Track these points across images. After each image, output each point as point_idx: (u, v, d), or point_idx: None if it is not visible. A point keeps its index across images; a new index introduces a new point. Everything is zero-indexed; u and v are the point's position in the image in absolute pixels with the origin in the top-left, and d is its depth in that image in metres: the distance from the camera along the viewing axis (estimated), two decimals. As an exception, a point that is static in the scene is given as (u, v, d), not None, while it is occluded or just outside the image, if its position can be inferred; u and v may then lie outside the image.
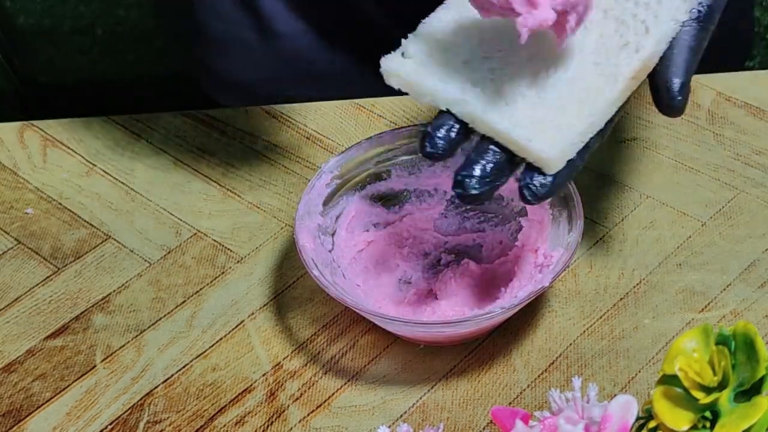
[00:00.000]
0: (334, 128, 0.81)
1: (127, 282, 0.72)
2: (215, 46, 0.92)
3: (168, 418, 0.63)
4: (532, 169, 0.55)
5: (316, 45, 0.90)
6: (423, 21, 0.60)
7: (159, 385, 0.65)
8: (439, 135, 0.56)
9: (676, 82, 0.58)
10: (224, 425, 0.63)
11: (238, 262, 0.72)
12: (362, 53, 0.84)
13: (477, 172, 0.55)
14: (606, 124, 0.57)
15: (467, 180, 0.55)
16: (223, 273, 0.71)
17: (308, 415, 0.63)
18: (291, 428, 0.62)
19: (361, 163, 0.70)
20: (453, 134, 0.56)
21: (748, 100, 0.80)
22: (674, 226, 0.71)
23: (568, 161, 0.56)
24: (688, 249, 0.70)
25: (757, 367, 0.47)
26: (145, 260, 0.73)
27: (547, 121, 0.56)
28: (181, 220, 0.75)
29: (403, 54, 0.59)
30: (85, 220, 0.76)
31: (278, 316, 0.68)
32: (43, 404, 0.65)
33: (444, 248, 0.70)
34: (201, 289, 0.71)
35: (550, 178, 0.55)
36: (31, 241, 0.75)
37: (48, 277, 0.72)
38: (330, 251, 0.68)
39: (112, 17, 1.46)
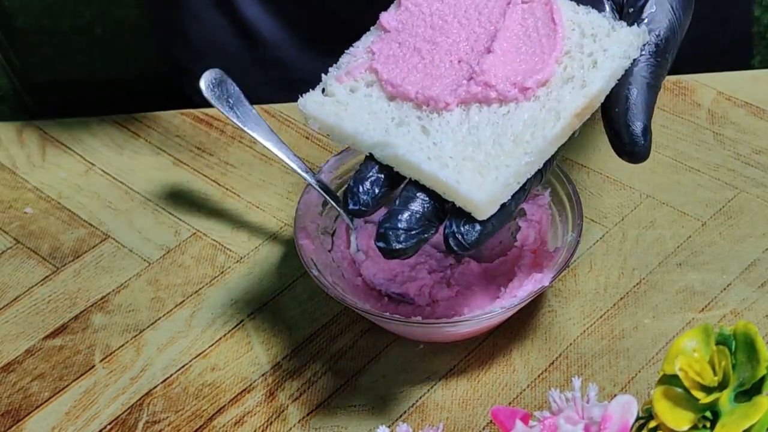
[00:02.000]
0: (333, 128, 0.81)
1: (126, 282, 0.71)
2: (198, 52, 0.92)
3: (167, 418, 0.63)
4: (460, 215, 0.52)
5: (299, 52, 0.89)
6: (346, 51, 0.58)
7: (158, 385, 0.65)
8: (362, 190, 0.53)
9: (638, 126, 0.53)
10: (223, 425, 0.62)
11: (237, 261, 0.72)
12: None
13: (402, 224, 0.51)
14: (545, 164, 0.54)
15: (390, 233, 0.51)
16: (222, 273, 0.71)
17: (308, 414, 0.63)
18: (290, 428, 0.62)
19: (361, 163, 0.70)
20: (377, 188, 0.53)
21: (749, 100, 0.80)
22: (674, 225, 0.71)
23: (502, 206, 0.52)
24: (688, 249, 0.70)
25: (757, 366, 0.47)
26: (144, 260, 0.73)
27: (478, 161, 0.52)
28: (180, 219, 0.75)
29: (323, 90, 0.56)
30: (84, 220, 0.76)
31: (278, 316, 0.68)
32: (41, 404, 0.65)
33: (444, 248, 0.70)
34: (200, 288, 0.71)
35: (478, 227, 0.51)
36: (30, 240, 0.75)
37: (47, 276, 0.72)
38: (330, 251, 0.68)
39: (112, 17, 1.46)
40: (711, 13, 0.87)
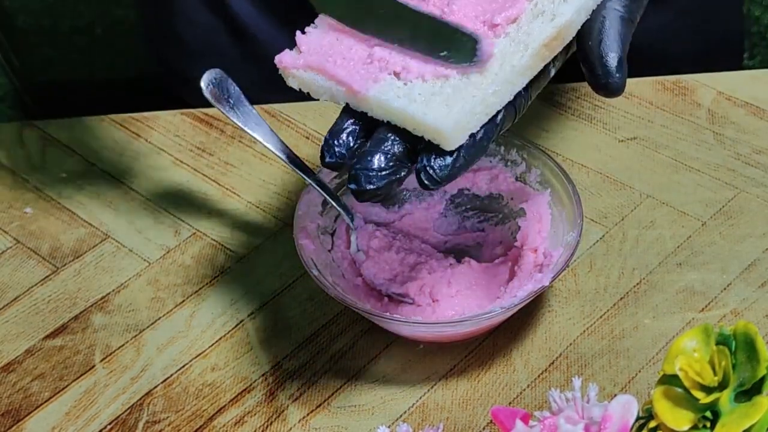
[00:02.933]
0: (333, 128, 0.81)
1: (126, 281, 0.71)
2: (191, 54, 0.91)
3: (167, 418, 0.63)
4: (431, 151, 0.52)
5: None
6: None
7: (158, 384, 0.65)
8: (338, 142, 0.53)
9: (612, 57, 0.53)
10: (223, 425, 0.62)
11: (237, 261, 0.72)
12: None
13: (374, 164, 0.51)
14: (516, 97, 0.54)
15: (362, 173, 0.51)
16: (222, 273, 0.71)
17: (308, 415, 0.63)
18: (290, 428, 0.62)
19: (361, 163, 0.70)
20: (352, 139, 0.53)
21: (749, 100, 0.80)
22: (674, 225, 0.71)
23: (472, 137, 0.52)
24: (688, 248, 0.70)
25: (757, 366, 0.47)
26: (144, 260, 0.73)
27: (445, 94, 0.53)
28: (180, 219, 0.75)
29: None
30: (84, 220, 0.76)
31: (278, 316, 0.68)
32: (41, 404, 0.65)
33: (444, 248, 0.70)
34: (200, 288, 0.71)
35: (449, 159, 0.51)
36: (30, 240, 0.75)
37: (47, 276, 0.72)
38: (330, 251, 0.68)
39: (112, 17, 1.46)
40: (701, 9, 0.87)
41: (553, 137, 0.78)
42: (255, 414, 0.63)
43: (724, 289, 0.67)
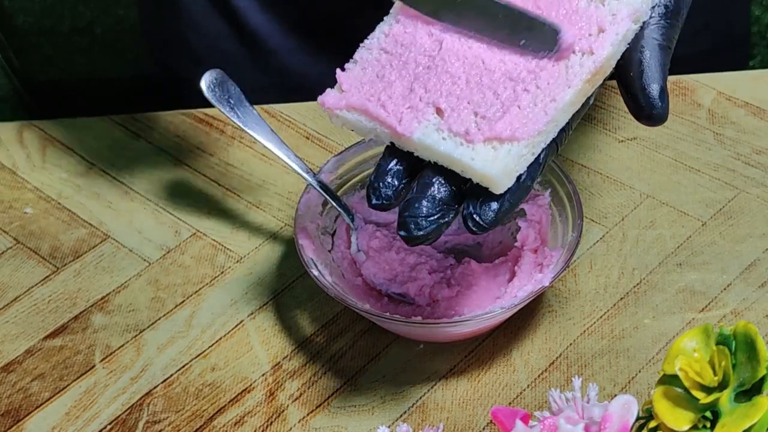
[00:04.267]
0: (333, 128, 0.81)
1: (126, 282, 0.71)
2: (197, 59, 0.91)
3: (167, 418, 0.63)
4: (476, 196, 0.52)
5: (303, 57, 0.89)
6: (362, 44, 0.58)
7: (158, 385, 0.65)
8: (383, 185, 0.53)
9: (655, 88, 0.53)
10: (223, 425, 0.62)
11: (237, 261, 0.72)
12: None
13: (422, 210, 0.51)
14: (559, 133, 0.54)
15: (410, 221, 0.51)
16: (222, 273, 0.71)
17: (308, 415, 0.63)
18: (290, 428, 0.62)
19: (361, 163, 0.70)
20: (398, 181, 0.53)
21: (749, 100, 0.80)
22: (674, 225, 0.71)
23: (517, 179, 0.52)
24: (688, 249, 0.70)
25: (757, 366, 0.47)
26: (144, 260, 0.73)
27: (491, 135, 0.53)
28: (180, 219, 0.75)
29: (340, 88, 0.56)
30: (84, 220, 0.76)
31: (278, 316, 0.68)
32: (41, 404, 0.65)
33: (444, 248, 0.70)
34: (200, 288, 0.71)
35: (495, 205, 0.52)
36: (30, 240, 0.75)
37: (47, 276, 0.72)
38: (330, 251, 0.68)
39: (112, 17, 1.46)
40: (709, 12, 0.87)
41: (553, 137, 0.78)
42: (255, 414, 0.63)
43: (724, 289, 0.67)
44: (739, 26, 0.96)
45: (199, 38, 0.90)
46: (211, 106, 0.68)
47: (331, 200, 0.67)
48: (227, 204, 0.76)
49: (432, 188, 0.52)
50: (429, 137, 0.53)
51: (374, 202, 0.54)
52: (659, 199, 0.73)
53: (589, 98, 0.55)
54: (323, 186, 0.67)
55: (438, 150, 0.53)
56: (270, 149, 0.67)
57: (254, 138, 0.67)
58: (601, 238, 0.71)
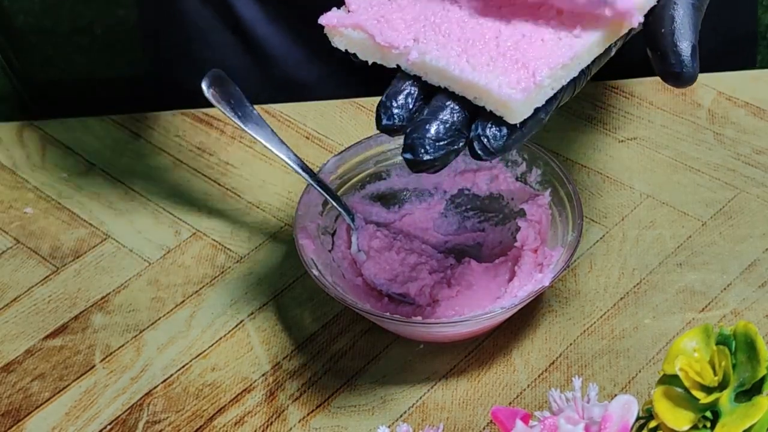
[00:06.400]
0: (333, 128, 0.81)
1: (126, 282, 0.71)
2: (200, 70, 0.91)
3: (167, 418, 0.63)
4: (488, 118, 0.49)
5: (311, 69, 0.89)
6: None
7: (158, 385, 0.65)
8: (395, 104, 0.49)
9: (686, 46, 0.50)
10: (223, 425, 0.62)
11: (237, 261, 0.72)
12: (365, 80, 0.82)
13: (430, 134, 0.48)
14: (579, 73, 0.51)
15: (418, 143, 0.48)
16: (222, 273, 0.71)
17: (308, 415, 0.63)
18: (290, 428, 0.62)
19: (361, 163, 0.70)
20: (411, 101, 0.49)
21: (749, 100, 0.80)
22: (674, 225, 0.71)
23: (534, 111, 0.49)
24: (688, 249, 0.70)
25: (757, 366, 0.47)
26: (145, 260, 0.73)
27: (512, 61, 0.50)
28: (180, 219, 0.75)
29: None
30: (84, 220, 0.76)
31: (278, 316, 0.68)
32: (42, 404, 0.65)
33: (444, 248, 0.70)
34: (200, 288, 0.71)
35: (506, 130, 0.48)
36: (30, 240, 0.75)
37: (47, 276, 0.72)
38: (330, 251, 0.68)
39: (111, 17, 1.46)
40: (715, 12, 0.87)
41: (553, 137, 0.78)
42: (255, 414, 0.63)
43: (724, 289, 0.67)
44: (745, 27, 0.96)
45: (203, 49, 0.90)
46: (211, 106, 0.68)
47: (331, 200, 0.67)
48: (227, 204, 0.76)
49: (444, 112, 0.49)
50: (442, 60, 0.50)
51: (384, 122, 0.50)
52: (659, 199, 0.73)
53: (611, 47, 0.53)
54: (323, 186, 0.67)
55: (452, 73, 0.49)
56: (270, 149, 0.67)
57: (254, 138, 0.67)
58: (601, 238, 0.71)
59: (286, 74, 0.90)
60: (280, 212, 0.75)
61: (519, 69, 0.49)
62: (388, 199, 0.71)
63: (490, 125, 0.48)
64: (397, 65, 0.52)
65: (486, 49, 0.50)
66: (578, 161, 0.76)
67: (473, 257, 0.69)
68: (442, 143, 0.48)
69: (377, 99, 0.84)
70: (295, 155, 0.68)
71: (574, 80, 0.51)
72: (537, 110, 0.49)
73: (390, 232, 0.70)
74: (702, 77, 0.81)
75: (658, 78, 0.83)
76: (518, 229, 0.68)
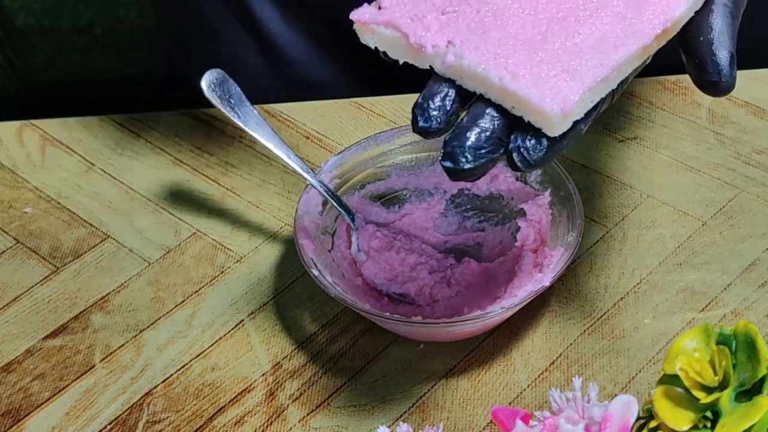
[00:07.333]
0: (333, 128, 0.81)
1: (126, 281, 0.71)
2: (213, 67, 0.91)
3: (167, 418, 0.63)
4: (527, 130, 0.48)
5: (328, 71, 0.89)
6: None
7: (158, 384, 0.65)
8: (432, 106, 0.48)
9: (725, 55, 0.49)
10: (223, 425, 0.62)
11: (237, 261, 0.72)
12: (379, 80, 0.82)
13: (471, 142, 0.46)
14: (618, 85, 0.50)
15: (458, 152, 0.46)
16: (222, 272, 0.71)
17: (308, 414, 0.63)
18: (290, 428, 0.62)
19: (361, 163, 0.70)
20: (449, 103, 0.48)
21: (749, 100, 0.80)
22: (674, 225, 0.71)
23: (573, 123, 0.48)
24: (688, 248, 0.70)
25: (757, 366, 0.47)
26: (144, 260, 0.73)
27: (552, 72, 0.49)
28: (180, 219, 0.75)
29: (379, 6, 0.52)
30: (84, 220, 0.76)
31: (278, 316, 0.68)
32: (41, 404, 0.65)
33: (444, 248, 0.70)
34: (200, 288, 0.70)
35: (545, 142, 0.47)
36: (30, 240, 0.75)
37: (47, 276, 0.72)
38: (330, 251, 0.68)
39: (112, 17, 1.46)
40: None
41: (553, 137, 0.78)
42: (255, 414, 0.63)
43: (725, 289, 0.67)
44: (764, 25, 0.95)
45: (218, 47, 0.90)
46: (211, 105, 0.68)
47: (331, 200, 0.67)
48: (227, 204, 0.76)
49: (484, 119, 0.47)
50: (481, 65, 0.48)
51: (421, 125, 0.48)
52: (659, 199, 0.73)
53: (646, 60, 0.52)
54: (323, 186, 0.67)
55: (491, 81, 0.48)
56: (270, 149, 0.67)
57: (254, 138, 0.67)
58: (601, 238, 0.71)
59: (301, 74, 0.89)
60: (280, 212, 0.75)
61: (559, 81, 0.48)
62: (388, 199, 0.71)
63: (529, 137, 0.47)
64: (431, 66, 0.50)
65: (526, 56, 0.49)
66: (578, 161, 0.76)
67: (473, 257, 0.69)
68: (482, 151, 0.47)
69: (377, 99, 0.84)
70: (295, 155, 0.68)
71: (612, 90, 0.50)
72: (576, 122, 0.49)
73: (390, 232, 0.70)
74: (702, 77, 0.81)
75: (658, 78, 0.83)
76: (518, 229, 0.68)
